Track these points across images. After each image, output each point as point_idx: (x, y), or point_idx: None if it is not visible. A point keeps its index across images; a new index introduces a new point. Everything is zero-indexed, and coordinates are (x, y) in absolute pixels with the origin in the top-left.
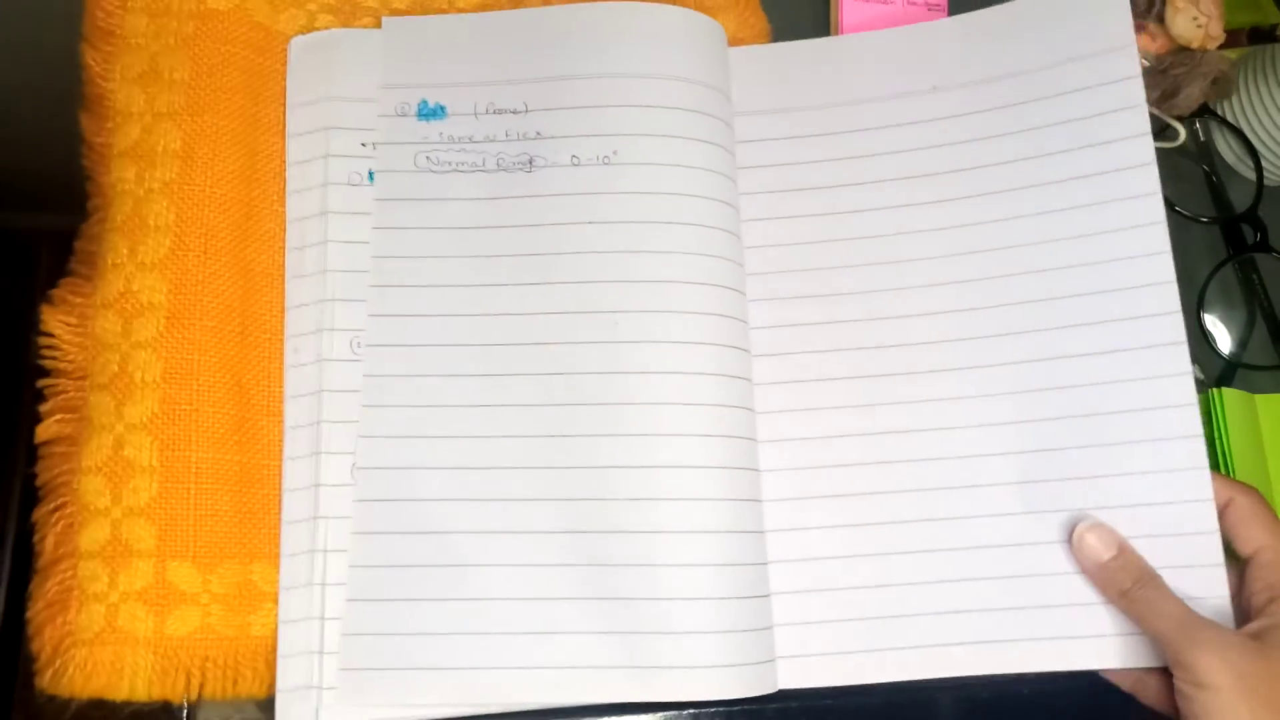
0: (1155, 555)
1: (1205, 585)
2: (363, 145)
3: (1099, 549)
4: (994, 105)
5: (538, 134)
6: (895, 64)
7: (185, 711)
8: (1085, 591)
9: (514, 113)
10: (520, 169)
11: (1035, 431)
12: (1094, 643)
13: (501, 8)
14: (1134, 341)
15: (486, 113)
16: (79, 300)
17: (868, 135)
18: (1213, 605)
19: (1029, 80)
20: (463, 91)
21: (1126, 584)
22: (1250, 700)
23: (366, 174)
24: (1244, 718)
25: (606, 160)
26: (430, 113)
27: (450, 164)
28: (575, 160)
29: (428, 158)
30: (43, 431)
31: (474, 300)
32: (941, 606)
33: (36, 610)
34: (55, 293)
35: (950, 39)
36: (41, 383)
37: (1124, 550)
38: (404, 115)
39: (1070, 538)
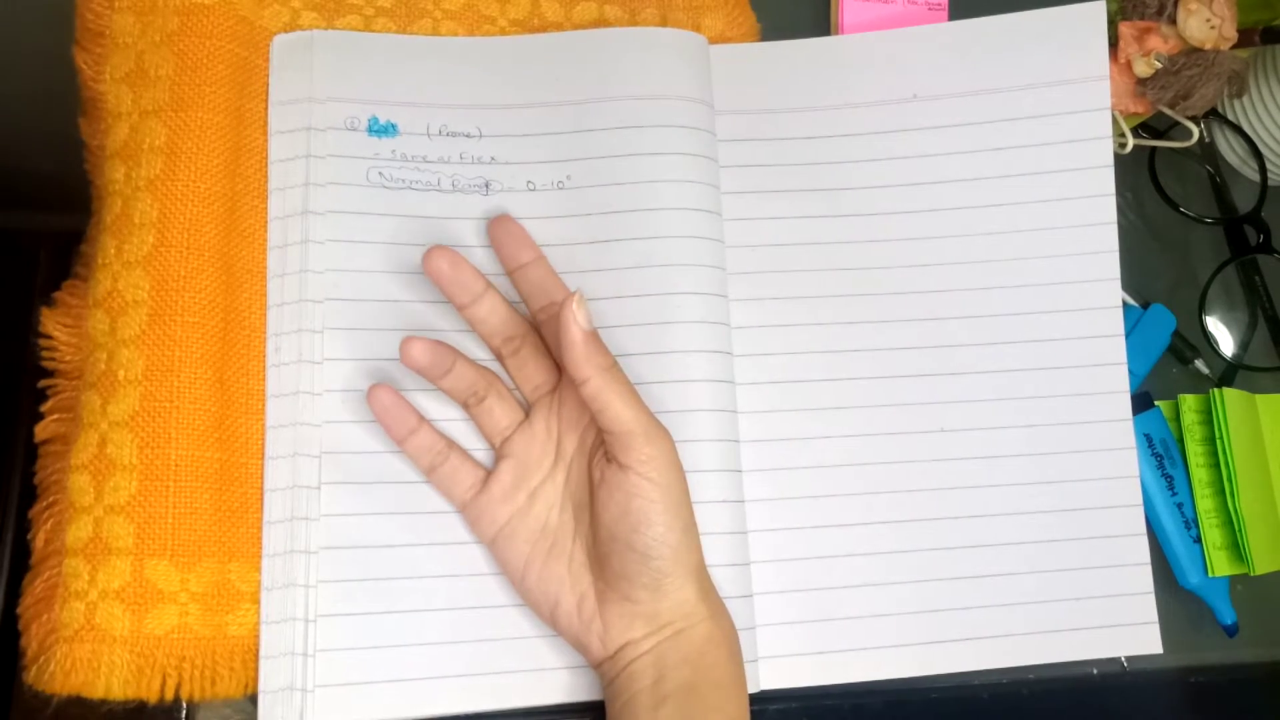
0: (1083, 525)
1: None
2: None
3: (586, 319)
4: (969, 120)
5: (492, 159)
6: (879, 69)
7: (184, 712)
8: (1064, 588)
9: (467, 136)
10: (476, 191)
11: (1004, 437)
12: (1070, 636)
13: (480, 22)
14: (1081, 359)
15: (440, 134)
16: (75, 302)
17: (848, 140)
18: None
19: (1005, 99)
20: (414, 111)
21: (607, 361)
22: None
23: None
24: (685, 505)
25: (561, 185)
26: (382, 129)
27: (404, 181)
28: (531, 185)
29: (380, 173)
30: (41, 431)
31: (429, 316)
32: (920, 606)
33: (25, 606)
34: (56, 295)
35: (934, 48)
36: (43, 383)
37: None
38: (354, 129)
39: (560, 312)
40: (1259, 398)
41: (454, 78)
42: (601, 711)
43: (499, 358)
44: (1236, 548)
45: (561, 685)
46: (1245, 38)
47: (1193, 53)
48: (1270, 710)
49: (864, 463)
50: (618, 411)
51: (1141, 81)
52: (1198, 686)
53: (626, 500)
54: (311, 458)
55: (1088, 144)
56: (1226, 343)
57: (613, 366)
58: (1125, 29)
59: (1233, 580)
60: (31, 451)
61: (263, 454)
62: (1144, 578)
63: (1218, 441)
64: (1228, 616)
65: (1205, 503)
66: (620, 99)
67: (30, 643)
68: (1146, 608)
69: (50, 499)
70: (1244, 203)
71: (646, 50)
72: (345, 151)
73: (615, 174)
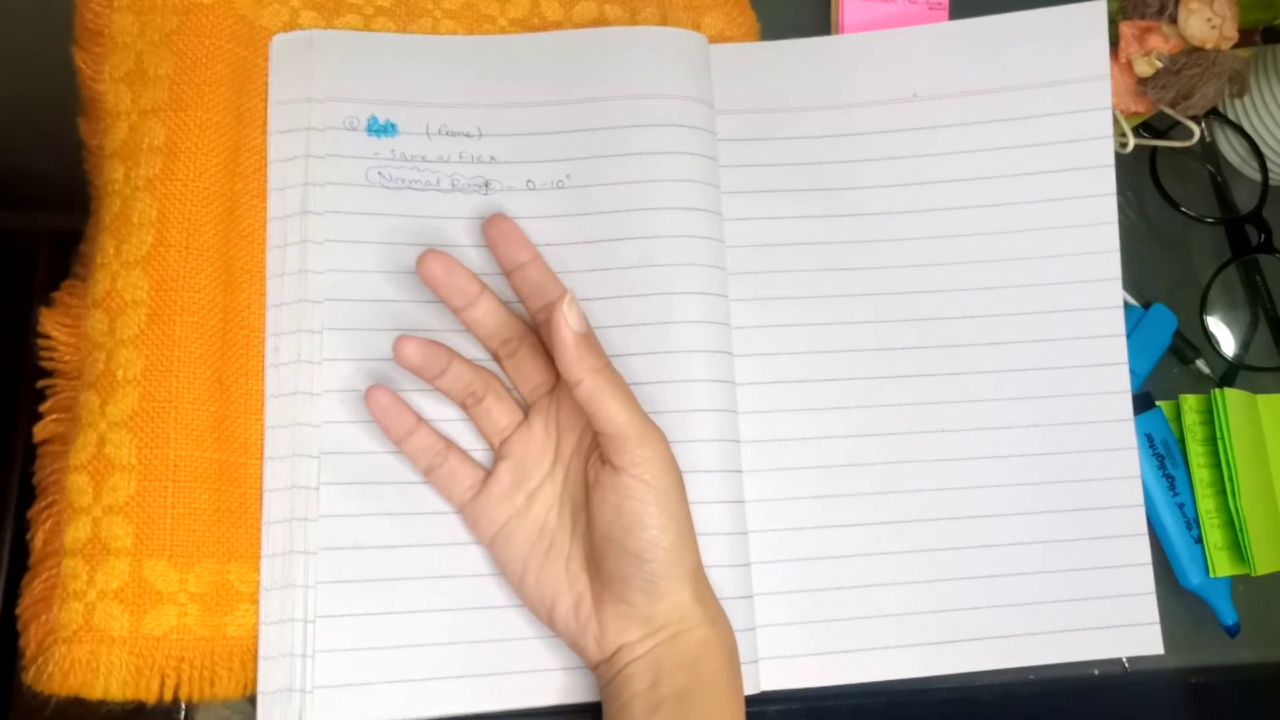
0: (1084, 525)
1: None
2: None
3: (578, 320)
4: (970, 120)
5: (492, 158)
6: (879, 69)
7: (183, 713)
8: (1065, 589)
9: (467, 135)
10: (476, 190)
11: (1005, 437)
12: (1072, 636)
13: (481, 21)
14: (1082, 359)
15: (439, 134)
16: (75, 302)
17: (848, 140)
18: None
19: (1005, 98)
20: (414, 111)
21: (600, 362)
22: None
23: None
24: (679, 507)
25: (560, 184)
26: (381, 129)
27: (403, 181)
28: (530, 184)
29: (379, 173)
30: (40, 431)
31: (427, 317)
32: (921, 606)
33: (24, 606)
34: (55, 295)
35: (934, 48)
36: (42, 383)
37: (592, 331)
38: (353, 129)
39: (552, 315)
40: (1260, 398)
41: (453, 76)
42: (598, 713)
43: (497, 359)
44: (1238, 548)
45: (559, 686)
46: (1246, 37)
47: (1193, 52)
48: (1272, 711)
49: (865, 463)
50: (610, 413)
51: (1142, 81)
52: (1199, 687)
53: (620, 502)
54: (310, 458)
55: (1089, 143)
56: (1228, 342)
57: (605, 368)
58: (1126, 28)
59: (1234, 581)
60: (30, 451)
61: (262, 454)
62: (1145, 578)
63: (1219, 441)
64: (1229, 617)
65: (1206, 503)
66: (620, 98)
67: (29, 643)
68: (1148, 608)
69: (49, 499)
70: (1245, 202)
71: (647, 49)
72: (344, 151)
73: (615, 173)
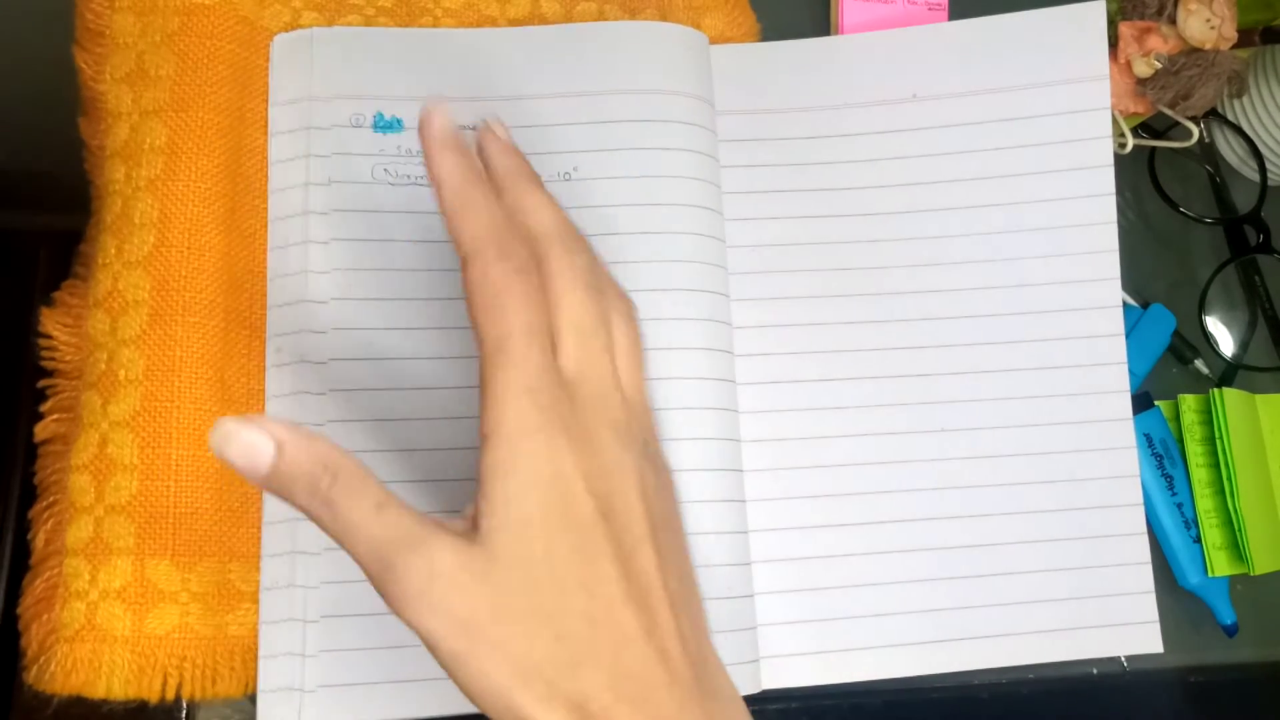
0: (1084, 525)
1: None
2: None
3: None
4: (969, 120)
5: None
6: (878, 69)
7: (185, 712)
8: (1064, 587)
9: (472, 129)
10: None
11: (1004, 436)
12: (1071, 635)
13: (481, 22)
14: (1082, 359)
15: None
16: (75, 302)
17: (848, 141)
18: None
19: (1005, 99)
20: (419, 106)
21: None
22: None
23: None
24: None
25: (567, 177)
26: (387, 125)
27: (409, 177)
28: None
29: (385, 170)
30: (41, 431)
31: (434, 315)
32: (920, 605)
33: (26, 606)
34: (56, 295)
35: (934, 48)
36: (42, 383)
37: (293, 444)
38: (359, 126)
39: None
40: (1259, 398)
41: (457, 69)
42: None
43: None
44: (1236, 548)
45: None
46: (1245, 38)
47: (1192, 53)
48: (1270, 710)
49: (864, 462)
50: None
51: (1141, 81)
52: (1197, 686)
53: None
54: None
55: (1088, 144)
56: (1226, 343)
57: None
58: (1125, 29)
59: (1232, 580)
60: (31, 451)
61: None
62: (1144, 577)
63: (1217, 441)
64: (1227, 616)
65: (1205, 502)
66: (626, 92)
67: (30, 643)
68: (1147, 607)
69: (50, 499)
70: (1244, 203)
71: (652, 45)
72: (349, 149)
73: (621, 167)
